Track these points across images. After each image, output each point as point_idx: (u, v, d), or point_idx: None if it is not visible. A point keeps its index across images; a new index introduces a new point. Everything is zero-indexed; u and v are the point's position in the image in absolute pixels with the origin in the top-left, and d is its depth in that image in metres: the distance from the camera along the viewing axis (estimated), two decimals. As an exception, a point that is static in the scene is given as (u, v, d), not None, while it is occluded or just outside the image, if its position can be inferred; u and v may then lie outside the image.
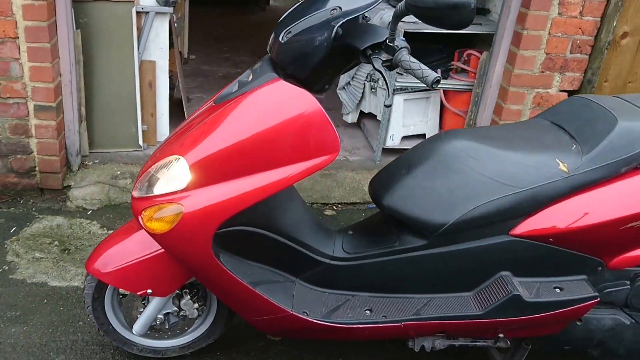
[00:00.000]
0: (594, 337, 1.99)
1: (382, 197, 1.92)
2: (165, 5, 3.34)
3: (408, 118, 3.87)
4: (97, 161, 3.52)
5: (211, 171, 1.66)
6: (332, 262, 1.96)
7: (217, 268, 1.75)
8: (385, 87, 1.67)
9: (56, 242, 2.89)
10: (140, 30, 3.39)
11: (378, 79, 3.91)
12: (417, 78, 1.53)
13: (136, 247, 1.88)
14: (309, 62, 1.63)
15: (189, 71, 5.68)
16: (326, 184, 3.59)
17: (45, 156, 3.16)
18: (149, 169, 1.75)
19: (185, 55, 6.08)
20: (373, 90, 4.00)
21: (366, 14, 1.68)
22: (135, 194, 1.76)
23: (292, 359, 2.30)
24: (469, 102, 3.68)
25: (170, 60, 3.67)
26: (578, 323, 1.97)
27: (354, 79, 4.12)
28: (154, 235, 1.72)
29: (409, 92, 3.78)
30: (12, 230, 2.95)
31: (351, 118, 4.29)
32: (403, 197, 1.88)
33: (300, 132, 1.63)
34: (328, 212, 3.40)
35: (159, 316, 2.02)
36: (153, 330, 2.10)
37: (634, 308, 1.98)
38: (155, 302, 1.98)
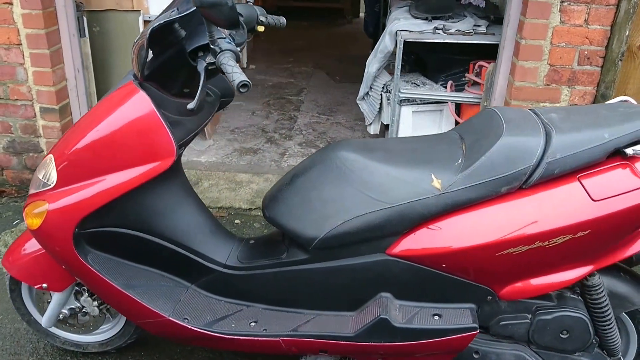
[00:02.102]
0: (493, 373, 1.81)
1: (266, 208, 1.88)
2: (171, 16, 3.48)
3: (420, 131, 3.72)
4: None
5: (70, 171, 1.73)
6: (224, 270, 1.94)
7: (82, 267, 1.80)
8: None
9: (47, 236, 3.11)
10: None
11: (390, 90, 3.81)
12: (229, 82, 1.49)
13: (36, 243, 1.99)
14: (141, 64, 1.66)
15: (242, 80, 5.85)
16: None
17: (56, 155, 3.41)
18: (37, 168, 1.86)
19: (244, 65, 6.30)
20: (389, 101, 3.90)
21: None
22: (30, 191, 1.88)
23: (213, 365, 2.31)
24: (480, 115, 3.47)
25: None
26: (475, 356, 1.81)
27: (372, 89, 4.05)
28: (31, 232, 1.81)
29: (418, 104, 3.64)
30: (14, 223, 3.21)
31: (373, 129, 4.20)
32: (283, 209, 1.82)
33: (136, 136, 1.65)
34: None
35: (63, 311, 2.10)
36: (67, 324, 2.19)
37: (537, 344, 1.78)
38: (56, 297, 2.06)
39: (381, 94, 3.94)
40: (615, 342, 1.80)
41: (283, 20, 2.12)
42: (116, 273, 1.86)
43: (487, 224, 1.62)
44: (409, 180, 1.67)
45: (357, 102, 4.24)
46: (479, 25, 3.56)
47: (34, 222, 1.78)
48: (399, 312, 1.74)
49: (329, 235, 1.72)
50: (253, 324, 1.88)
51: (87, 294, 2.09)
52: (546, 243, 1.58)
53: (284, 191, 1.85)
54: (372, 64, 3.90)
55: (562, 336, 1.75)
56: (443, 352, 1.76)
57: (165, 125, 1.64)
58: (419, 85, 3.81)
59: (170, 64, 1.70)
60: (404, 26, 3.55)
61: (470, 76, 3.57)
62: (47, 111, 3.26)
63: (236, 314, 1.92)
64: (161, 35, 1.65)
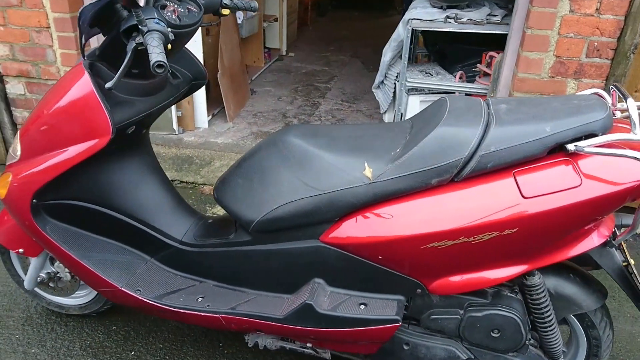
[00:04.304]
0: (424, 367, 1.77)
1: (216, 189, 1.91)
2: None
3: (430, 121, 3.64)
4: (132, 141, 3.87)
5: (28, 145, 1.82)
6: (180, 246, 2.00)
7: (41, 236, 1.91)
8: None
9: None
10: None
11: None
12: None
13: None
14: (81, 44, 1.70)
15: (278, 67, 5.92)
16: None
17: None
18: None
19: (283, 53, 6.37)
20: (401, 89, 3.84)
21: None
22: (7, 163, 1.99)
23: (181, 335, 2.38)
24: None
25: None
26: (405, 347, 1.78)
27: (387, 77, 3.99)
28: (2, 201, 1.92)
29: (427, 93, 3.57)
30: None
31: (387, 118, 4.15)
32: (229, 191, 1.85)
33: (77, 114, 1.70)
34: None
35: (41, 274, 2.22)
36: (49, 287, 2.32)
37: (467, 341, 1.73)
38: (33, 261, 2.19)
39: (394, 83, 3.88)
40: (556, 345, 1.72)
41: (254, 4, 2.12)
42: (74, 243, 1.95)
43: (413, 216, 1.57)
44: (342, 168, 1.64)
45: (373, 90, 4.19)
46: (495, 15, 3.43)
47: (2, 192, 1.90)
48: (328, 298, 1.73)
49: (265, 218, 1.73)
50: (200, 299, 1.92)
51: None
52: (471, 239, 1.51)
53: (232, 174, 1.88)
54: (387, 53, 3.84)
55: (493, 335, 1.69)
56: (366, 341, 1.73)
57: (102, 105, 1.67)
58: (432, 75, 3.72)
59: (114, 45, 1.72)
60: (416, 15, 3.47)
61: (481, 67, 3.46)
62: (73, 91, 3.44)
63: (188, 288, 1.98)
64: (104, 16, 1.69)
